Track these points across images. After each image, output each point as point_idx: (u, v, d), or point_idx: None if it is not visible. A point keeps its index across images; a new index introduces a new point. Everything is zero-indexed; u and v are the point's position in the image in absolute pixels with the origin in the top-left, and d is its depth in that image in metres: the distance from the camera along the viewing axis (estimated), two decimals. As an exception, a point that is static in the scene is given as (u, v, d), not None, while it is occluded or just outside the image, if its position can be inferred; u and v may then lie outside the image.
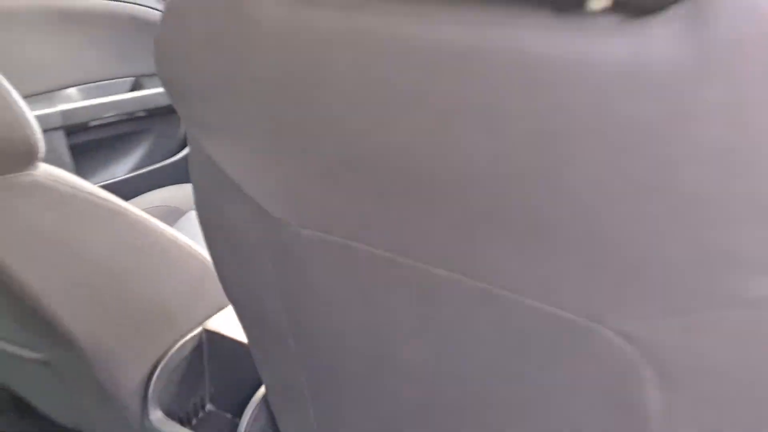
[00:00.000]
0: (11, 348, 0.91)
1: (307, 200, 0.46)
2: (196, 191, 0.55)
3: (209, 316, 0.93)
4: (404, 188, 0.41)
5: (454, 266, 0.42)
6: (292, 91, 0.41)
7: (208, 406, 0.95)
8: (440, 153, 0.38)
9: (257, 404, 0.81)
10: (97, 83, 1.47)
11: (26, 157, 0.71)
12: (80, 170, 1.43)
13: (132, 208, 0.80)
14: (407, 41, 0.36)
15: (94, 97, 1.47)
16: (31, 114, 0.71)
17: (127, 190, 1.42)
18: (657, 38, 0.30)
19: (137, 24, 1.45)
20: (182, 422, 0.89)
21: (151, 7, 1.47)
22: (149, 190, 1.41)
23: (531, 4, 0.34)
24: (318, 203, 0.46)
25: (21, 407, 1.09)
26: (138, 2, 1.44)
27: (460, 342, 0.47)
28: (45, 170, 0.73)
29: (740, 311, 0.34)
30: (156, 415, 0.87)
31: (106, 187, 1.44)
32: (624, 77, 0.31)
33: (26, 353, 0.88)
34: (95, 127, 1.44)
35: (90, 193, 0.77)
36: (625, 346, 0.39)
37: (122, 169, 1.50)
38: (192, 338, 0.90)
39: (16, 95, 0.70)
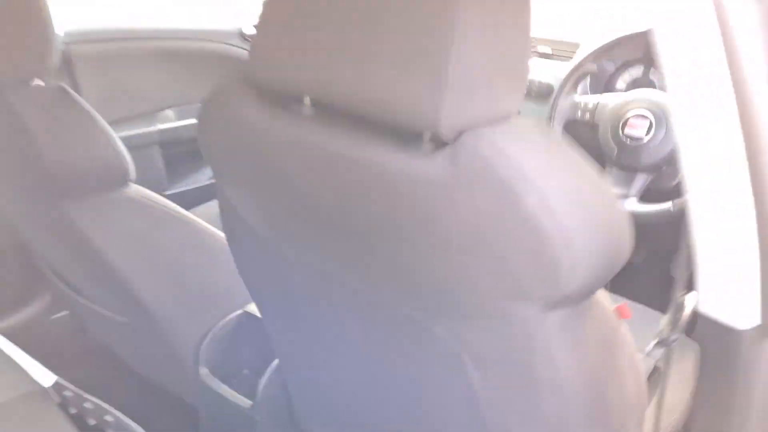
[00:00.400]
0: (108, 313, 1.23)
1: (274, 225, 0.73)
2: (220, 212, 0.83)
3: (249, 302, 1.21)
4: (324, 226, 0.67)
5: (355, 272, 0.68)
6: (263, 163, 0.68)
7: (245, 371, 1.24)
8: (339, 216, 0.63)
9: (273, 370, 1.08)
10: (189, 105, 1.80)
11: (121, 179, 1.02)
12: (171, 176, 1.77)
13: (192, 216, 1.10)
14: (318, 148, 0.62)
15: (187, 117, 1.80)
16: (124, 148, 1.01)
17: (206, 194, 1.74)
18: (438, 163, 0.54)
19: (222, 58, 1.77)
20: (223, 380, 1.18)
21: (234, 45, 1.78)
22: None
23: (391, 135, 0.58)
24: (280, 226, 0.73)
25: (113, 359, 1.43)
26: (223, 42, 1.76)
27: (354, 333, 0.73)
28: (134, 189, 1.04)
29: (498, 321, 0.58)
30: (204, 371, 1.16)
31: (189, 192, 1.77)
32: (426, 183, 0.55)
33: (117, 317, 1.20)
34: (185, 141, 1.78)
35: (164, 206, 1.08)
36: (449, 338, 0.63)
37: (204, 176, 1.83)
38: (235, 317, 1.19)
39: (113, 133, 1.00)
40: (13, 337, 1.42)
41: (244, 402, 1.14)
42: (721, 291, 0.52)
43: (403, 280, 0.62)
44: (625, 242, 0.56)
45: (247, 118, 0.67)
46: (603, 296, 0.64)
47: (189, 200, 1.66)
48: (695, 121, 0.51)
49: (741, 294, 0.51)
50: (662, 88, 1.47)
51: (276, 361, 1.09)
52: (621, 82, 1.51)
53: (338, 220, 0.64)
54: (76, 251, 1.08)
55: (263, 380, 1.09)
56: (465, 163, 0.53)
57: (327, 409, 0.98)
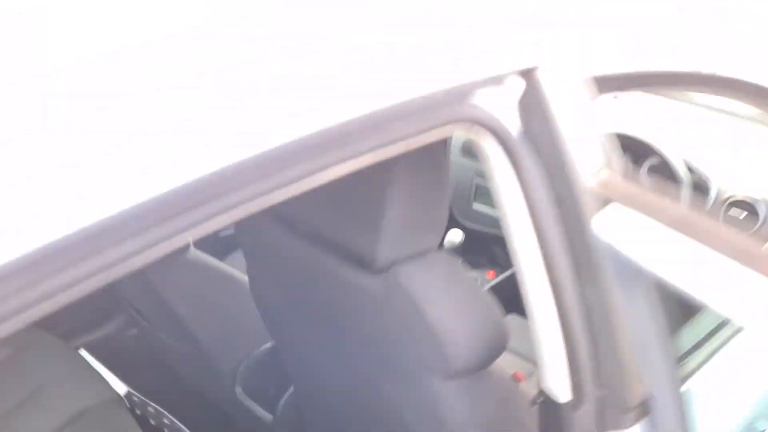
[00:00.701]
0: (166, 338, 1.58)
1: (281, 298, 1.05)
2: (249, 280, 1.15)
3: (277, 337, 1.54)
4: (312, 308, 0.98)
5: (334, 342, 0.98)
6: (273, 259, 1.00)
7: (271, 391, 1.56)
8: (320, 305, 0.95)
9: (290, 393, 1.40)
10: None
11: (184, 247, 1.36)
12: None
13: (232, 269, 1.44)
14: (309, 257, 0.93)
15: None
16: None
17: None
18: (377, 283, 0.85)
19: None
20: (253, 398, 1.51)
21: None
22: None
23: (352, 260, 0.88)
24: (285, 300, 1.04)
25: (170, 373, 1.78)
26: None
27: (337, 365, 1.03)
28: (193, 252, 1.38)
29: (417, 383, 0.87)
30: (238, 390, 1.50)
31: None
32: (369, 295, 0.86)
33: (174, 342, 1.55)
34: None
35: (212, 265, 1.42)
36: (393, 392, 0.93)
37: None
38: (264, 349, 1.52)
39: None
40: (95, 348, 1.80)
41: (267, 417, 1.46)
42: (547, 370, 0.80)
43: (360, 352, 0.93)
44: (500, 337, 0.85)
45: (265, 229, 1.00)
46: (500, 368, 0.93)
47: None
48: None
49: (558, 375, 0.79)
50: (638, 165, 1.72)
51: (292, 387, 1.41)
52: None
53: (320, 308, 0.96)
54: (146, 293, 1.43)
55: (282, 400, 1.41)
56: (392, 287, 0.83)
57: (328, 426, 1.29)
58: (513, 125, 0.71)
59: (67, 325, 1.83)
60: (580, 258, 0.74)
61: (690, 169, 1.58)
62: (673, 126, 1.60)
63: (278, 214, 0.98)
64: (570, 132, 0.72)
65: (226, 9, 0.64)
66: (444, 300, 0.82)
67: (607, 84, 0.79)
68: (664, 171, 1.58)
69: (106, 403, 1.36)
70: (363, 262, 0.86)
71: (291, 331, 1.13)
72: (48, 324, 1.68)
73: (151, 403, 1.65)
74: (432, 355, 0.83)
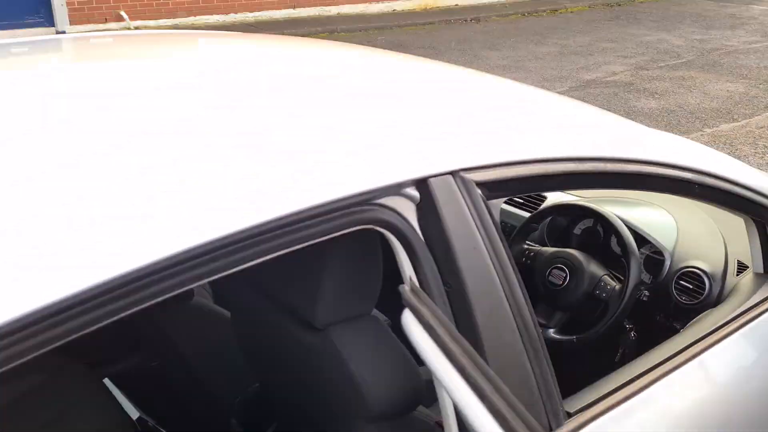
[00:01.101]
0: (174, 373, 1.81)
1: (260, 350, 1.26)
2: (234, 331, 1.36)
3: (270, 376, 1.74)
4: (279, 357, 1.18)
5: (294, 386, 1.18)
6: (247, 326, 1.21)
7: (262, 424, 1.76)
8: (281, 355, 1.15)
9: (274, 426, 1.60)
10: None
11: (187, 295, 1.59)
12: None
13: (228, 313, 1.65)
14: (272, 315, 1.14)
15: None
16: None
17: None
18: (316, 340, 1.05)
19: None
20: (245, 429, 1.71)
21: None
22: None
23: (301, 321, 1.09)
24: (263, 351, 1.25)
25: (175, 401, 2.00)
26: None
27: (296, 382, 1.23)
28: (195, 300, 1.61)
29: (347, 423, 1.06)
30: (233, 422, 1.70)
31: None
32: (310, 349, 1.06)
33: (181, 379, 1.77)
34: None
35: (213, 309, 1.64)
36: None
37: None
38: (256, 386, 1.72)
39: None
40: (120, 378, 2.03)
41: (256, 447, 1.66)
42: (446, 421, 0.98)
43: (308, 394, 1.13)
44: (416, 390, 1.03)
45: (241, 291, 1.21)
46: (424, 415, 1.11)
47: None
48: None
49: (452, 427, 0.97)
50: (607, 236, 1.87)
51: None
52: (577, 229, 1.93)
53: (280, 356, 1.16)
54: (156, 334, 1.67)
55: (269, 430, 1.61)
56: (326, 344, 1.03)
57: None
58: (409, 227, 0.90)
59: (94, 355, 2.08)
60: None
61: (647, 241, 1.73)
62: (622, 202, 1.76)
63: (250, 279, 1.19)
64: (455, 235, 0.90)
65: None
66: (366, 357, 1.01)
67: (499, 188, 0.98)
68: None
69: (120, 426, 1.57)
70: (306, 323, 1.06)
71: (265, 373, 1.33)
72: (79, 353, 1.93)
73: (161, 429, 1.87)
74: (354, 401, 1.02)
